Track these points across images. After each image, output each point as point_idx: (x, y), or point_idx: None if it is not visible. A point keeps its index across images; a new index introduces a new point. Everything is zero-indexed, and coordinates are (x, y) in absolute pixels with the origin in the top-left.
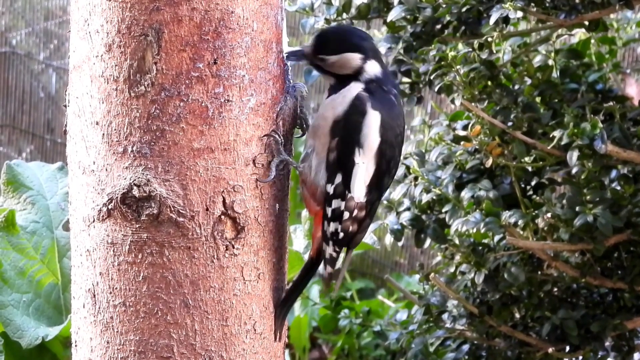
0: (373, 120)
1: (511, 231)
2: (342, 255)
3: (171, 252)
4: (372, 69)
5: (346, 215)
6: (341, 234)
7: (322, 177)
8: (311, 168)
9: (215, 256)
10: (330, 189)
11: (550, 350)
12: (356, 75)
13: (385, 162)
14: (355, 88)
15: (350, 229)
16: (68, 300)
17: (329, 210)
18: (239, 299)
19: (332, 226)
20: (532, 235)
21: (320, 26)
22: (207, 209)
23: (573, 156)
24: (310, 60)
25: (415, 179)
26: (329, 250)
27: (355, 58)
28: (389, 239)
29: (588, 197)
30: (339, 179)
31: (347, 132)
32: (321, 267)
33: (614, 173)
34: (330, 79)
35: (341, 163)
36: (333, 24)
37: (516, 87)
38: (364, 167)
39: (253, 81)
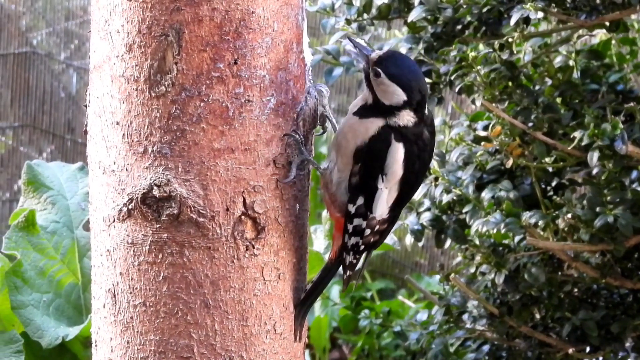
0: (397, 152)
1: (531, 232)
2: (362, 258)
3: (191, 252)
4: (404, 118)
5: (367, 232)
6: (362, 247)
7: (343, 193)
8: (332, 180)
9: (236, 256)
10: (352, 208)
11: (570, 351)
12: (388, 112)
13: (408, 187)
14: (379, 122)
15: (372, 240)
16: (88, 300)
17: (350, 227)
18: (259, 299)
19: (353, 240)
20: (553, 236)
21: (340, 27)
22: (227, 209)
23: (593, 157)
24: (367, 64)
25: (436, 179)
26: (349, 258)
27: (399, 96)
28: (409, 239)
29: (608, 198)
30: (360, 201)
31: (370, 159)
32: (340, 269)
33: (634, 174)
34: (369, 96)
35: (364, 187)
36: (354, 24)
37: (537, 87)
38: (386, 192)
39: (273, 81)
